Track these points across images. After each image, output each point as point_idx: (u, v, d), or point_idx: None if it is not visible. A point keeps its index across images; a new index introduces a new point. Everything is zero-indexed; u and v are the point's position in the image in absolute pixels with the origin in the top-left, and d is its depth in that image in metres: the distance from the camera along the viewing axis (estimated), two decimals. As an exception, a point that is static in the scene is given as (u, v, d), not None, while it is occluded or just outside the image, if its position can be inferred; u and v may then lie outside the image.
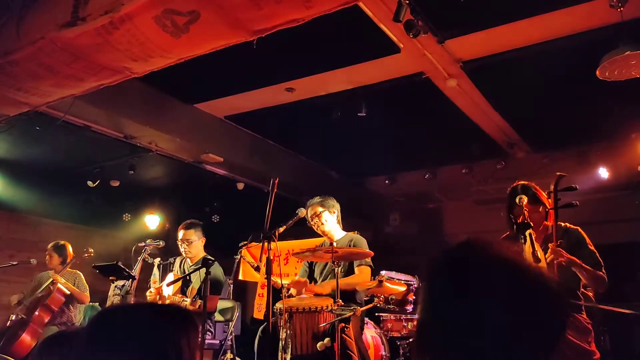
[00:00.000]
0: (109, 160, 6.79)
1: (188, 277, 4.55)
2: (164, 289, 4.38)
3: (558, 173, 3.06)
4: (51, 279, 5.29)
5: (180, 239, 4.65)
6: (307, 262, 4.28)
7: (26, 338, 5.02)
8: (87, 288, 5.57)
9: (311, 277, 4.23)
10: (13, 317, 5.27)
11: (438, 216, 9.07)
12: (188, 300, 4.36)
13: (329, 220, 4.09)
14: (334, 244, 3.96)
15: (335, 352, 3.33)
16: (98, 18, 2.75)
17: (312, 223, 4.10)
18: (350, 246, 3.99)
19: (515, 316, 0.85)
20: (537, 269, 0.92)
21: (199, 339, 1.18)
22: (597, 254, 3.05)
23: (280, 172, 6.57)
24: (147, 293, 4.47)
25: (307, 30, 2.91)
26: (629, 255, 5.91)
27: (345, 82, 5.57)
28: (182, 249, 4.68)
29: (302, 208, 3.83)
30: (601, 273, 2.98)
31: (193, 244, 4.62)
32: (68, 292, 5.31)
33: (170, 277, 4.62)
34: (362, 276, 3.92)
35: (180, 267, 4.81)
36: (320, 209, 4.07)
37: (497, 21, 4.46)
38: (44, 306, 5.20)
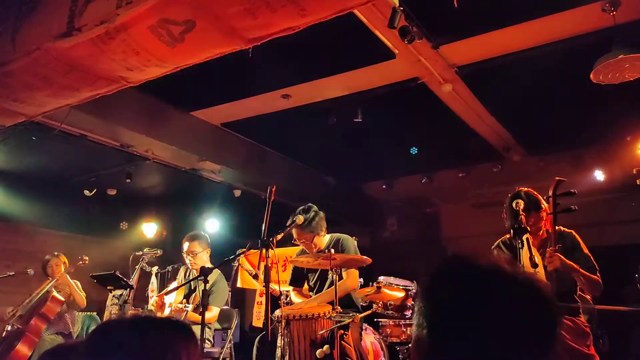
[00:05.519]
0: (106, 169, 6.78)
1: (192, 286, 4.53)
2: (165, 297, 4.36)
3: (557, 178, 3.05)
4: (46, 288, 5.26)
5: (185, 251, 4.58)
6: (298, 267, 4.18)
7: (22, 348, 4.98)
8: (84, 294, 5.55)
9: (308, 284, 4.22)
10: (9, 327, 5.24)
11: (435, 220, 9.08)
12: (190, 306, 4.33)
13: (318, 241, 3.93)
14: (326, 251, 3.94)
15: (334, 359, 3.32)
16: (94, 28, 2.75)
17: (299, 242, 3.96)
18: (339, 247, 3.92)
19: (505, 323, 0.85)
20: (525, 274, 0.93)
21: (199, 351, 1.18)
22: (592, 258, 3.06)
23: (277, 179, 6.58)
24: (151, 304, 4.43)
25: (302, 38, 2.92)
26: (625, 257, 5.92)
27: (341, 88, 5.59)
28: (187, 261, 4.62)
29: (299, 215, 3.83)
30: (596, 277, 2.99)
31: (198, 255, 4.54)
32: (63, 300, 5.29)
33: (173, 285, 4.59)
34: (350, 280, 3.88)
35: (185, 276, 4.77)
36: (308, 235, 3.88)
37: (491, 26, 4.49)
38: (40, 315, 5.16)
